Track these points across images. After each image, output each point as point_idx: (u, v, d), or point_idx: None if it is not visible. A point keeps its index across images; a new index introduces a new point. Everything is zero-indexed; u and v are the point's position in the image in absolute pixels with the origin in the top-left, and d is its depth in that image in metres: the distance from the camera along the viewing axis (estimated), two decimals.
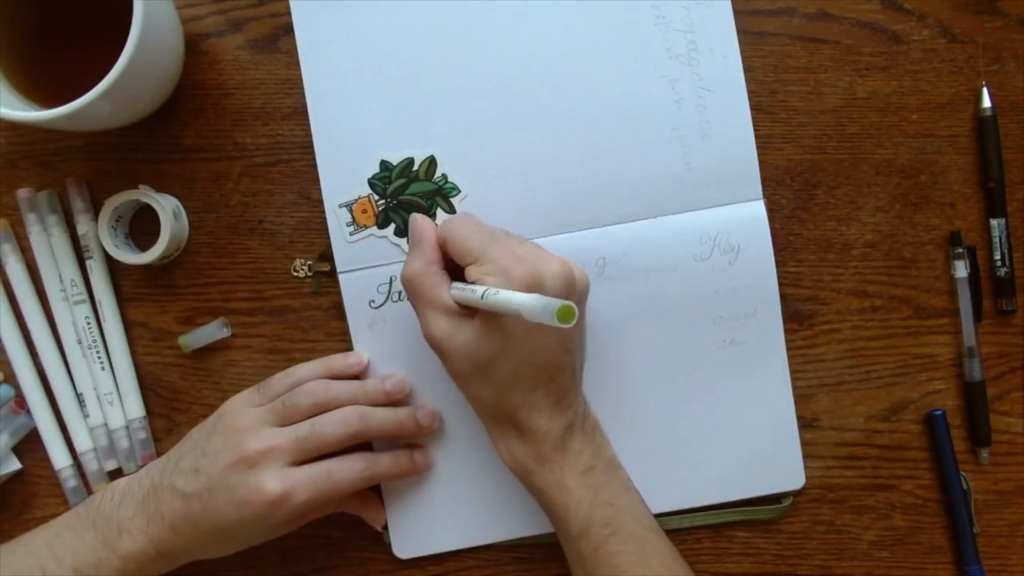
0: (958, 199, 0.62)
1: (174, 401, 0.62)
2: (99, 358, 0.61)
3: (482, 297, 0.49)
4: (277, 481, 0.54)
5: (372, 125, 0.60)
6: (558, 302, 0.43)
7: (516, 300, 0.46)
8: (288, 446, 0.55)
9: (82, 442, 0.61)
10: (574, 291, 0.53)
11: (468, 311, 0.52)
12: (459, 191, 0.60)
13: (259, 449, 0.54)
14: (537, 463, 0.54)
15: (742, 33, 0.60)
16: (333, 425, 0.56)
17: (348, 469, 0.56)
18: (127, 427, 0.61)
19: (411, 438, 0.60)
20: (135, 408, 0.61)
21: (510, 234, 0.56)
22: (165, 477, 0.55)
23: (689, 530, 0.61)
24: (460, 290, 0.52)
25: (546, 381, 0.53)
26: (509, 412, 0.53)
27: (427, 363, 0.60)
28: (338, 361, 0.60)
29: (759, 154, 0.60)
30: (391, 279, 0.60)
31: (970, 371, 0.61)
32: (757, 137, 0.60)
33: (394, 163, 0.60)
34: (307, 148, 0.61)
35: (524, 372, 0.52)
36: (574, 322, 0.43)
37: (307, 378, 0.58)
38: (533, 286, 0.50)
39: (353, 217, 0.60)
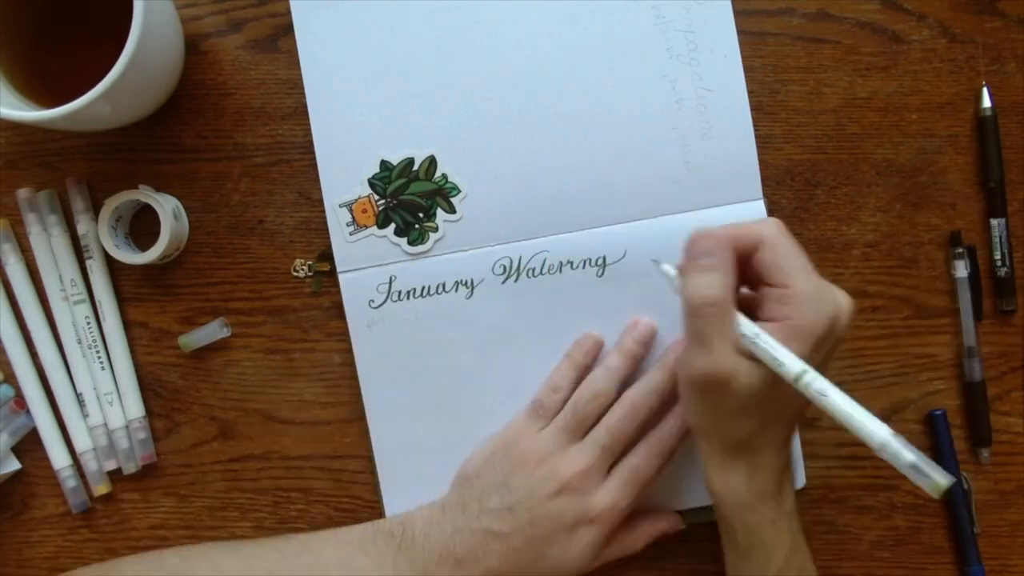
0: (958, 199, 0.62)
1: (174, 401, 0.62)
2: (99, 358, 0.61)
3: (797, 382, 0.46)
4: (604, 495, 0.55)
5: (372, 125, 0.60)
6: (942, 475, 0.40)
7: (870, 430, 0.43)
8: (600, 460, 0.55)
9: (82, 442, 0.61)
10: (849, 325, 0.50)
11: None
12: (459, 191, 0.60)
13: (577, 472, 0.55)
14: (759, 500, 0.51)
15: (742, 33, 0.60)
16: (626, 421, 0.56)
17: (645, 459, 0.56)
18: (127, 427, 0.61)
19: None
20: (135, 408, 0.61)
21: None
22: (472, 522, 0.56)
23: (690, 529, 0.61)
24: (754, 344, 0.47)
25: (796, 416, 0.52)
26: (755, 446, 0.50)
27: (425, 363, 0.60)
28: (579, 354, 0.59)
29: (759, 154, 0.60)
30: (391, 279, 0.60)
31: (970, 371, 0.61)
32: (757, 137, 0.60)
33: (394, 163, 0.60)
34: (307, 148, 0.61)
35: (785, 411, 0.50)
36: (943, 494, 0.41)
37: (568, 385, 0.58)
38: (833, 324, 0.48)
39: (353, 217, 0.60)
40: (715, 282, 0.48)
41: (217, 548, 0.58)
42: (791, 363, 0.46)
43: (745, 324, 0.48)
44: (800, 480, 0.61)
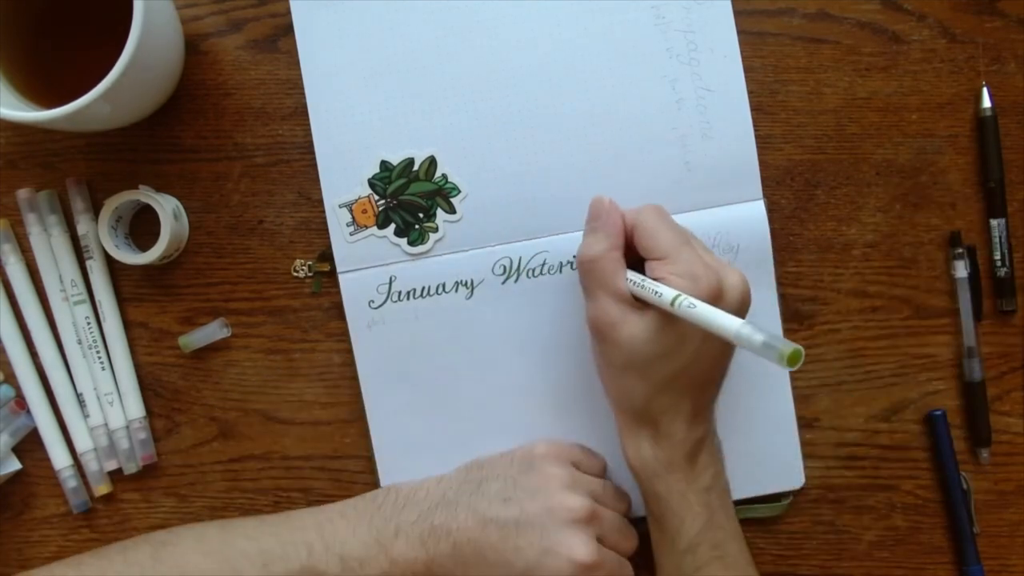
0: (958, 199, 0.62)
1: (174, 401, 0.62)
2: (99, 358, 0.61)
3: (673, 304, 0.48)
4: (593, 550, 0.53)
5: (372, 125, 0.60)
6: (786, 344, 0.42)
7: (725, 323, 0.45)
8: (609, 523, 0.55)
9: (82, 442, 0.61)
10: (747, 305, 0.53)
11: (640, 303, 0.52)
12: (459, 191, 0.60)
13: (587, 510, 0.54)
14: (665, 469, 0.53)
15: (742, 33, 0.60)
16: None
17: (629, 546, 0.57)
18: (127, 427, 0.61)
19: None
20: (135, 408, 0.61)
21: (697, 239, 0.55)
22: (463, 495, 0.55)
23: None
24: (640, 286, 0.51)
25: (695, 390, 0.53)
26: (653, 413, 0.53)
27: (425, 364, 0.60)
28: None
29: (759, 154, 0.60)
30: (391, 279, 0.60)
31: (970, 371, 0.61)
32: (757, 137, 0.60)
33: (394, 163, 0.60)
34: (307, 148, 0.61)
35: (681, 377, 0.52)
36: (800, 365, 0.42)
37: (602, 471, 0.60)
38: (715, 297, 0.50)
39: (353, 217, 0.60)
40: (595, 242, 0.54)
41: (202, 523, 0.58)
42: (667, 291, 0.49)
43: (632, 274, 0.52)
44: (799, 480, 0.61)
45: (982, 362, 0.61)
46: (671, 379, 0.52)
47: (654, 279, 0.51)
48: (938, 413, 0.61)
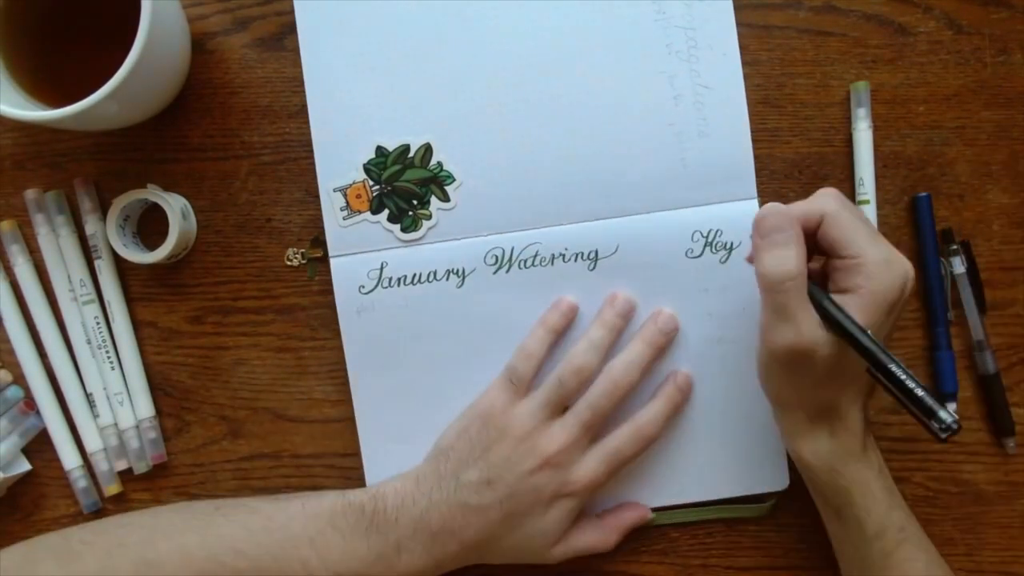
0: (966, 191, 0.62)
1: (184, 400, 0.62)
2: (108, 358, 0.61)
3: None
4: (583, 470, 0.56)
5: (369, 111, 0.60)
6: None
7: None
8: (581, 437, 0.56)
9: (92, 442, 0.61)
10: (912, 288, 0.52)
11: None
12: (454, 179, 0.60)
13: (559, 449, 0.55)
14: (844, 460, 0.52)
15: (748, 27, 0.60)
16: (608, 398, 0.57)
17: (627, 443, 0.57)
18: (137, 427, 0.62)
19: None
20: (145, 408, 0.61)
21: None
22: (448, 494, 0.55)
23: (700, 524, 0.61)
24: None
25: (867, 379, 0.51)
26: (838, 408, 0.51)
27: (414, 352, 0.60)
28: (555, 318, 0.59)
29: (767, 147, 0.60)
30: (382, 265, 0.60)
31: (983, 364, 0.61)
32: (765, 130, 0.60)
33: (390, 149, 0.60)
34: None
35: (861, 373, 0.50)
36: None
37: (543, 350, 0.58)
38: (903, 291, 0.49)
39: (347, 201, 0.60)
40: (791, 255, 0.49)
41: (177, 524, 0.55)
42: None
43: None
44: (784, 482, 0.61)
45: (994, 353, 0.61)
46: (856, 376, 0.50)
47: (844, 290, 0.49)
48: (923, 196, 0.61)
